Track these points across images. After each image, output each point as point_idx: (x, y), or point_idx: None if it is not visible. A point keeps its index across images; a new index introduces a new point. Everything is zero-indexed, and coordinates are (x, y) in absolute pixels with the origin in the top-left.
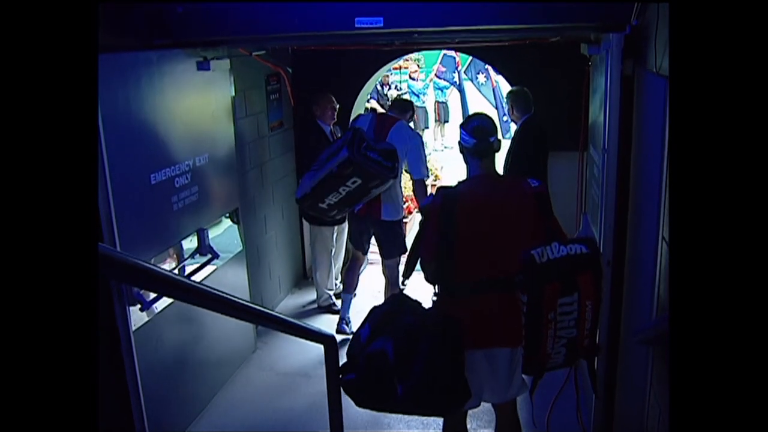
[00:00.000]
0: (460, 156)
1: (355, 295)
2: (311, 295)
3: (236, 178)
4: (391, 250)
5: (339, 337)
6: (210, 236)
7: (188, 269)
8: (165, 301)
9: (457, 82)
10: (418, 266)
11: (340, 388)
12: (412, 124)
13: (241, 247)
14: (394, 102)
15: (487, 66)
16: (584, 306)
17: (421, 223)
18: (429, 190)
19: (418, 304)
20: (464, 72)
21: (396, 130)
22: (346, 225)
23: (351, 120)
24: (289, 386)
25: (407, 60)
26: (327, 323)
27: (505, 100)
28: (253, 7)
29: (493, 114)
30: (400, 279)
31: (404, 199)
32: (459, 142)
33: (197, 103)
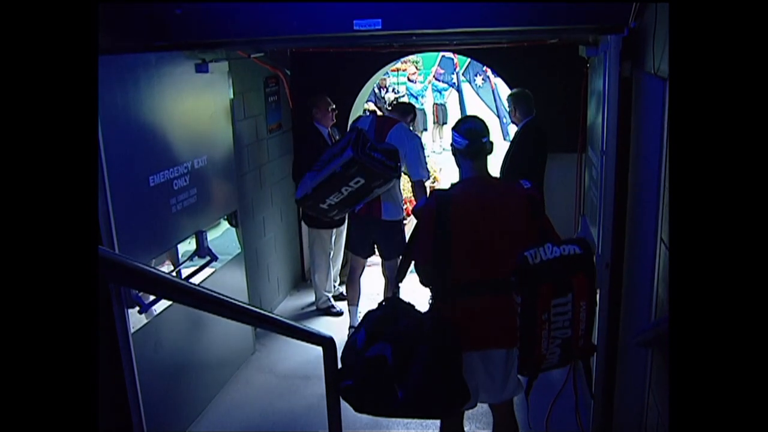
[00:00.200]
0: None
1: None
2: (310, 297)
3: (235, 180)
4: (391, 250)
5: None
6: (209, 238)
7: (187, 272)
8: (163, 304)
9: (456, 84)
10: (411, 268)
11: (339, 389)
12: (412, 127)
13: (240, 250)
14: (395, 105)
15: (485, 68)
16: (578, 306)
17: (415, 227)
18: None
19: (411, 306)
20: (462, 74)
21: (395, 132)
22: (344, 227)
23: (350, 122)
24: (288, 388)
25: (405, 62)
26: (326, 325)
27: (505, 102)
28: (252, 10)
29: (492, 117)
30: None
31: (403, 201)
32: (451, 144)
33: (196, 105)
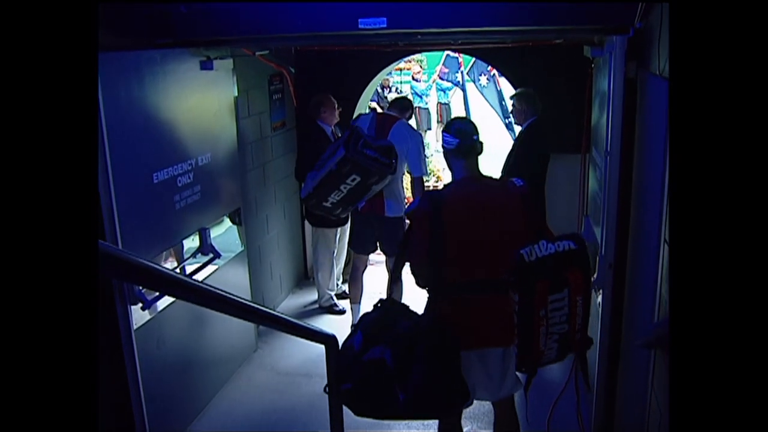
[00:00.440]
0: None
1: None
2: (312, 295)
3: (238, 178)
4: (394, 246)
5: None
6: (212, 236)
7: (190, 269)
8: (166, 300)
9: (461, 83)
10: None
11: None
12: (412, 122)
13: (243, 247)
14: (393, 101)
15: (490, 68)
16: (575, 301)
17: (408, 228)
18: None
19: (405, 307)
20: (467, 73)
21: (397, 129)
22: (348, 226)
23: (352, 119)
24: (290, 386)
25: (410, 61)
26: (328, 323)
27: (511, 102)
28: (257, 8)
29: (496, 117)
30: (385, 286)
31: (405, 198)
32: (443, 146)
33: (200, 102)
